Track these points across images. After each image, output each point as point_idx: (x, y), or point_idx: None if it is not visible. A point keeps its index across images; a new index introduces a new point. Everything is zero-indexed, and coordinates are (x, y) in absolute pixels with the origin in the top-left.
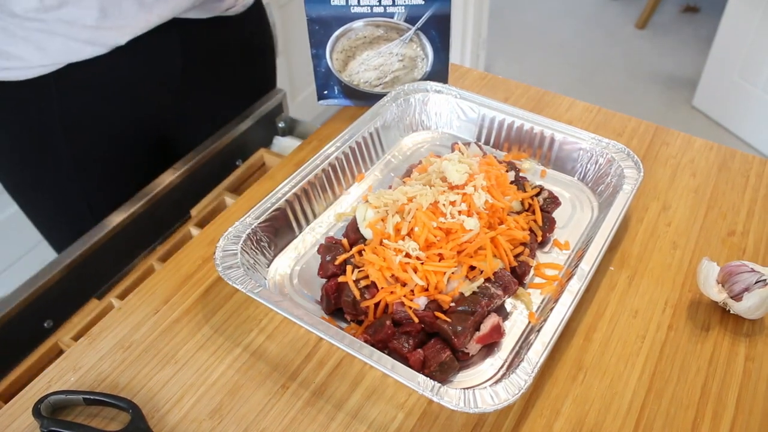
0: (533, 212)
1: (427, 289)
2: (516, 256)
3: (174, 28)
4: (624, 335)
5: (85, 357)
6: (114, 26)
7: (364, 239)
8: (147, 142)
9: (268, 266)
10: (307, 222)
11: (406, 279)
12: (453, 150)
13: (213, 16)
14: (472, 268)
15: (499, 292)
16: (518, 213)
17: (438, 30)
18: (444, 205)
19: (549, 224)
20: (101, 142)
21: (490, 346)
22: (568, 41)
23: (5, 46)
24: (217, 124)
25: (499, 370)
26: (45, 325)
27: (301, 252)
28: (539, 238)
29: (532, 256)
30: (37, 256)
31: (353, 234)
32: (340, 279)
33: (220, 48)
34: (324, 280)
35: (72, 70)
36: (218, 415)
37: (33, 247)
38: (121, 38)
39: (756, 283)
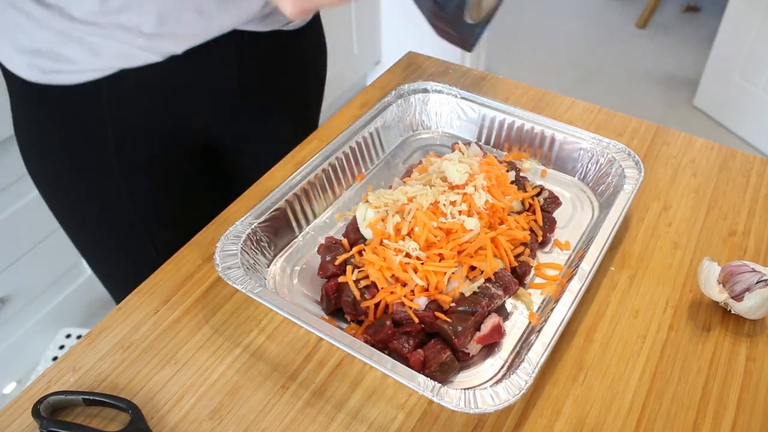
0: (534, 212)
1: (427, 289)
2: (516, 256)
3: (231, 40)
4: (625, 335)
5: (84, 357)
6: (172, 35)
7: (364, 239)
8: (196, 150)
9: (268, 266)
10: (307, 222)
11: (407, 279)
12: (453, 150)
13: (271, 30)
14: (473, 268)
15: (500, 293)
16: (519, 213)
17: None
18: (444, 205)
19: (549, 224)
20: (151, 148)
21: (490, 347)
22: (568, 41)
23: (58, 47)
24: (268, 138)
25: (499, 371)
26: None
27: (301, 252)
28: (540, 238)
29: (533, 256)
30: (37, 256)
31: (353, 234)
32: (340, 279)
33: (276, 62)
34: (324, 280)
35: (124, 75)
36: (218, 416)
37: (34, 246)
38: (178, 47)
39: (757, 283)
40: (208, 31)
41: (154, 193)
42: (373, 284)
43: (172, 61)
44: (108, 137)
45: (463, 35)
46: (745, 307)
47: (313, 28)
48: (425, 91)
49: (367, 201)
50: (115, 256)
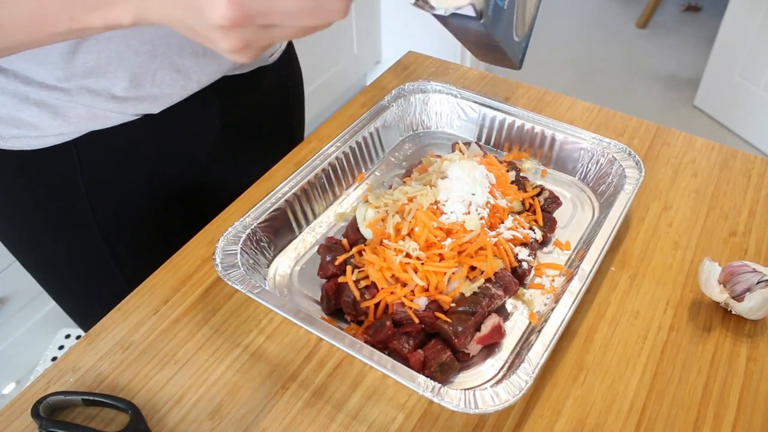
0: (534, 212)
1: (427, 290)
2: (516, 256)
3: (213, 89)
4: (625, 336)
5: (84, 357)
6: (147, 96)
7: (364, 239)
8: (177, 199)
9: (268, 266)
10: (307, 222)
11: (407, 279)
12: (453, 150)
13: (254, 69)
14: (473, 268)
15: (500, 293)
16: (519, 213)
17: None
18: (444, 204)
19: (550, 224)
20: (127, 200)
21: (490, 347)
22: (568, 41)
23: (15, 111)
24: (252, 171)
25: (499, 371)
26: None
27: (301, 252)
28: (540, 239)
29: (533, 256)
30: None
31: (353, 234)
32: (340, 279)
33: (258, 98)
34: (324, 280)
35: (96, 135)
36: (218, 416)
37: None
38: (155, 108)
39: (758, 283)
40: (187, 89)
41: (132, 242)
42: (373, 284)
43: (150, 118)
44: (81, 194)
45: (514, 54)
46: (745, 307)
47: (289, 52)
48: (425, 91)
49: (367, 201)
50: (88, 298)
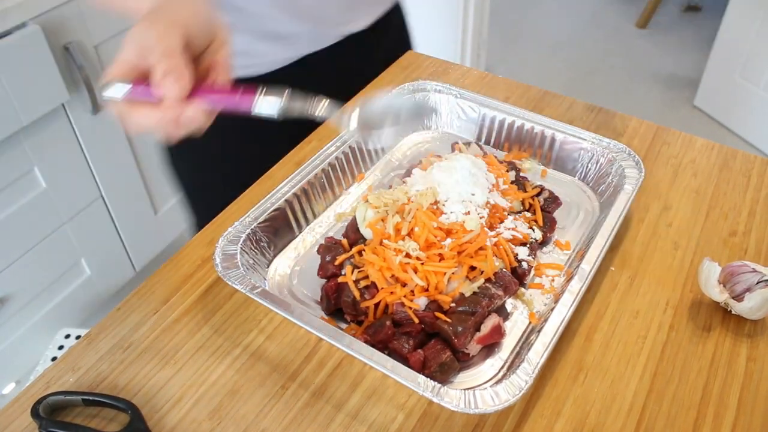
0: (534, 212)
1: (427, 290)
2: (516, 256)
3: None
4: (625, 336)
5: (84, 357)
6: (350, 20)
7: (364, 239)
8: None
9: (268, 266)
10: (307, 222)
11: (406, 279)
12: (453, 150)
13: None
14: (473, 268)
15: (500, 293)
16: (518, 213)
17: None
18: (444, 204)
19: (549, 224)
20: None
21: (490, 347)
22: (568, 41)
23: (246, 46)
24: None
25: (499, 371)
26: None
27: (300, 252)
28: (540, 239)
29: (533, 256)
30: (37, 256)
31: (353, 234)
32: (340, 279)
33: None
34: (324, 281)
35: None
36: (217, 416)
37: (34, 246)
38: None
39: (758, 283)
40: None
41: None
42: (373, 284)
43: (303, 60)
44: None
45: None
46: (745, 307)
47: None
48: (425, 90)
49: (367, 201)
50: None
